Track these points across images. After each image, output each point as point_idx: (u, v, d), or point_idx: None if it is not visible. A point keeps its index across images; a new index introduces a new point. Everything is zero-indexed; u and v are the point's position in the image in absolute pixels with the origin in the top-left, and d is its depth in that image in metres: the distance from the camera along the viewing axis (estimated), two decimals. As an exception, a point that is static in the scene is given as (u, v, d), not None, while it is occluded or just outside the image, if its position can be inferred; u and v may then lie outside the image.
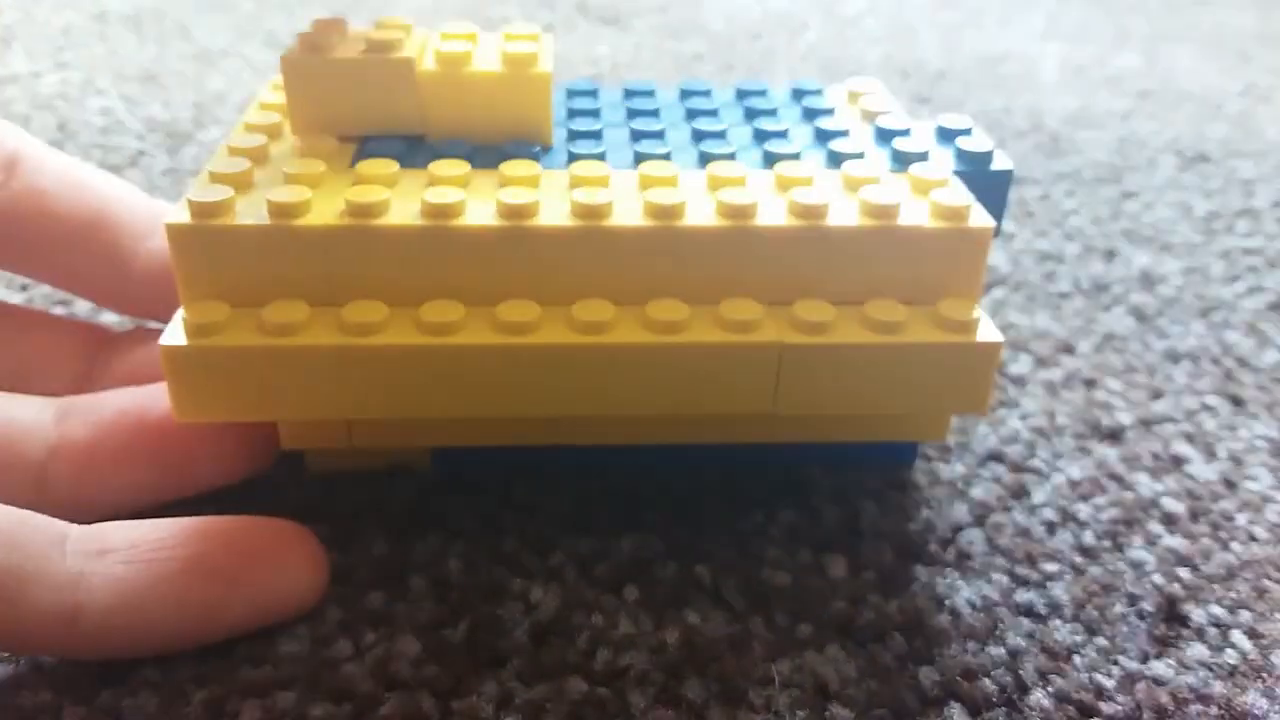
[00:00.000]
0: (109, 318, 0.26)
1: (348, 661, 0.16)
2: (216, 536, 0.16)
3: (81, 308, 0.26)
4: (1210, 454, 0.22)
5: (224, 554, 0.16)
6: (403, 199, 0.17)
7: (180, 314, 0.17)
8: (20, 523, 0.15)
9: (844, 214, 0.17)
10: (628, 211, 0.17)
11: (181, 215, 0.16)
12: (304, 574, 0.17)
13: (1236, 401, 0.24)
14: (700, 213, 0.17)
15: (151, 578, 0.16)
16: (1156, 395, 0.24)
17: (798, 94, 0.22)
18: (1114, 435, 0.23)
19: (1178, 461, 0.22)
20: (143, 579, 0.15)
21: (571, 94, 0.22)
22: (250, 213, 0.17)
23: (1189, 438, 0.23)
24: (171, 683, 0.16)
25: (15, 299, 0.26)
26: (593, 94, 0.22)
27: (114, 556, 0.16)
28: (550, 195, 0.17)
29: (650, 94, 0.22)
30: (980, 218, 0.18)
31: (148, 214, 0.21)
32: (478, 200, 0.17)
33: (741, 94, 0.22)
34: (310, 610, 0.17)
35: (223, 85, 0.41)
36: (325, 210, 0.17)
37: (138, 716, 0.15)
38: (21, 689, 0.16)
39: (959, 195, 0.18)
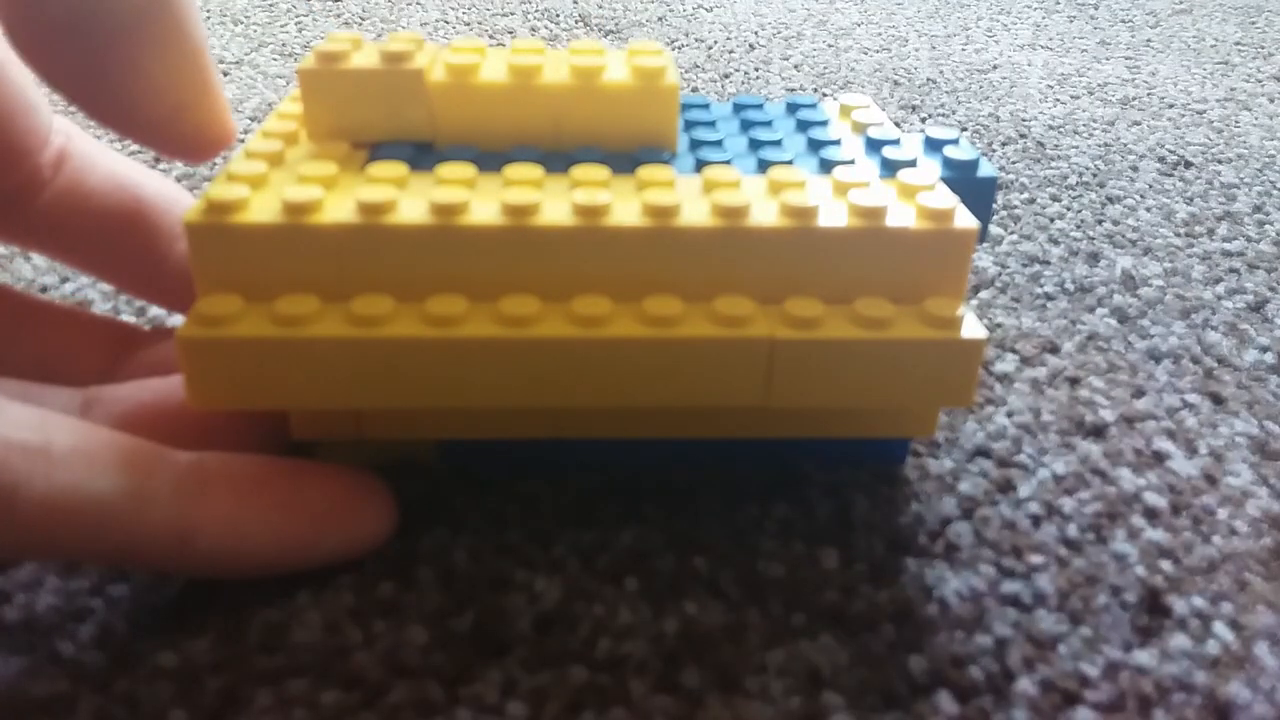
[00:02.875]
0: (130, 316, 0.26)
1: (358, 650, 0.17)
2: (310, 477, 0.18)
3: (102, 308, 0.26)
4: (1191, 450, 0.23)
5: (317, 494, 0.18)
6: (412, 199, 0.18)
7: (195, 306, 0.17)
8: (135, 446, 0.16)
9: (834, 216, 0.18)
10: (627, 212, 0.18)
11: (199, 213, 0.17)
12: (378, 517, 0.18)
13: (1217, 399, 0.25)
14: (696, 213, 0.18)
15: (258, 512, 0.17)
16: (1139, 393, 0.25)
17: (792, 107, 0.23)
18: (1097, 432, 0.23)
19: (1160, 457, 0.22)
20: (250, 513, 0.17)
21: None
22: (265, 210, 0.17)
23: (1170, 434, 0.23)
24: (187, 670, 0.16)
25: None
26: None
27: (219, 487, 0.17)
28: (554, 196, 0.18)
29: None
30: (965, 219, 0.18)
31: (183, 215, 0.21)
32: (482, 200, 0.18)
33: (738, 107, 0.23)
34: (366, 557, 0.18)
35: (237, 94, 0.42)
36: (337, 208, 0.17)
37: (154, 704, 0.16)
38: (38, 678, 0.16)
39: (945, 198, 0.18)
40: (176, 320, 0.26)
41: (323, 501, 0.18)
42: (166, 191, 0.21)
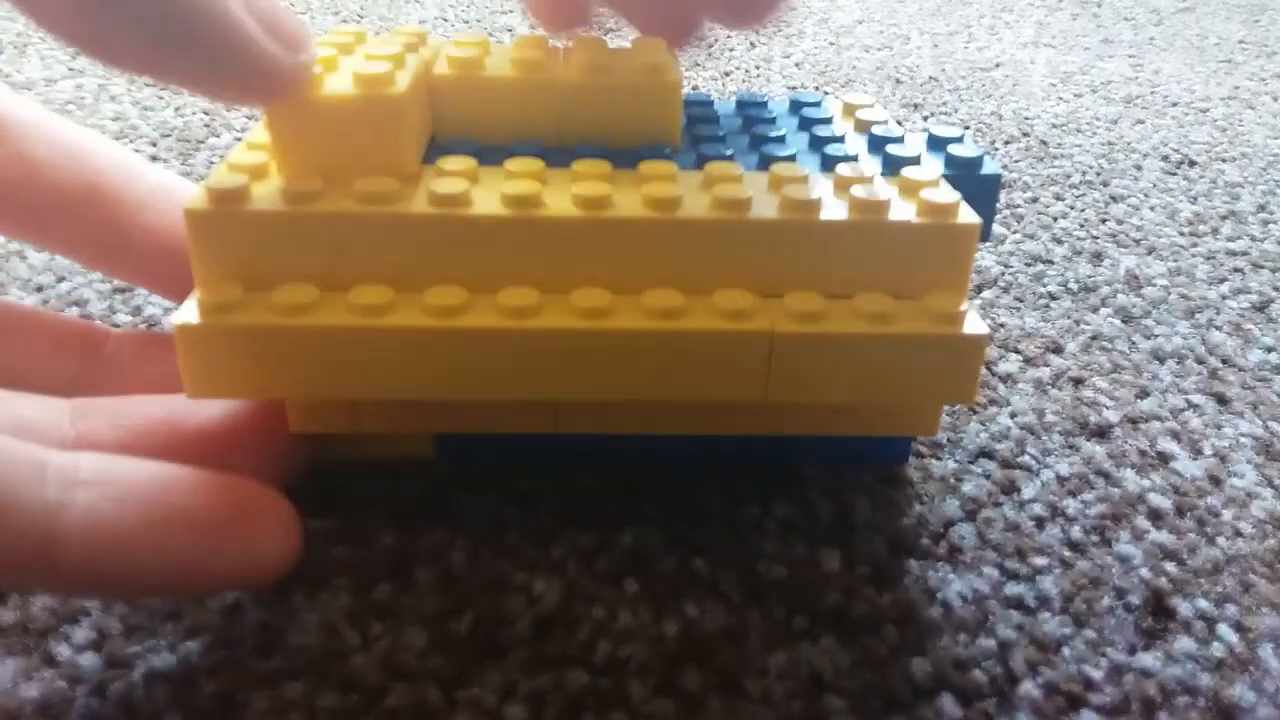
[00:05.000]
0: (126, 316, 0.26)
1: (355, 652, 0.17)
2: (204, 492, 0.16)
3: (98, 307, 0.26)
4: (1196, 451, 0.23)
5: (211, 511, 0.16)
6: (413, 188, 0.18)
7: (194, 294, 0.17)
8: None
9: (835, 209, 0.18)
10: (628, 204, 0.18)
11: (200, 201, 0.17)
12: (279, 538, 0.16)
13: (1221, 400, 0.24)
14: (698, 206, 0.18)
15: (139, 521, 0.15)
16: (1143, 394, 0.25)
17: (796, 104, 0.23)
18: (1101, 433, 0.23)
19: (1164, 458, 0.22)
20: (130, 521, 0.15)
21: None
22: (266, 198, 0.17)
23: (1175, 435, 0.23)
24: (183, 673, 0.16)
25: (30, 300, 0.26)
26: None
27: (96, 490, 0.15)
28: (558, 190, 0.18)
29: None
30: (967, 215, 0.18)
31: (145, 185, 0.21)
32: (484, 191, 0.18)
33: (742, 104, 0.23)
34: (278, 582, 0.17)
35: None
36: (339, 196, 0.17)
37: (149, 707, 0.16)
38: (33, 681, 0.16)
39: (947, 194, 0.18)
40: (150, 291, 0.25)
41: (219, 521, 0.15)
42: (125, 162, 0.21)
